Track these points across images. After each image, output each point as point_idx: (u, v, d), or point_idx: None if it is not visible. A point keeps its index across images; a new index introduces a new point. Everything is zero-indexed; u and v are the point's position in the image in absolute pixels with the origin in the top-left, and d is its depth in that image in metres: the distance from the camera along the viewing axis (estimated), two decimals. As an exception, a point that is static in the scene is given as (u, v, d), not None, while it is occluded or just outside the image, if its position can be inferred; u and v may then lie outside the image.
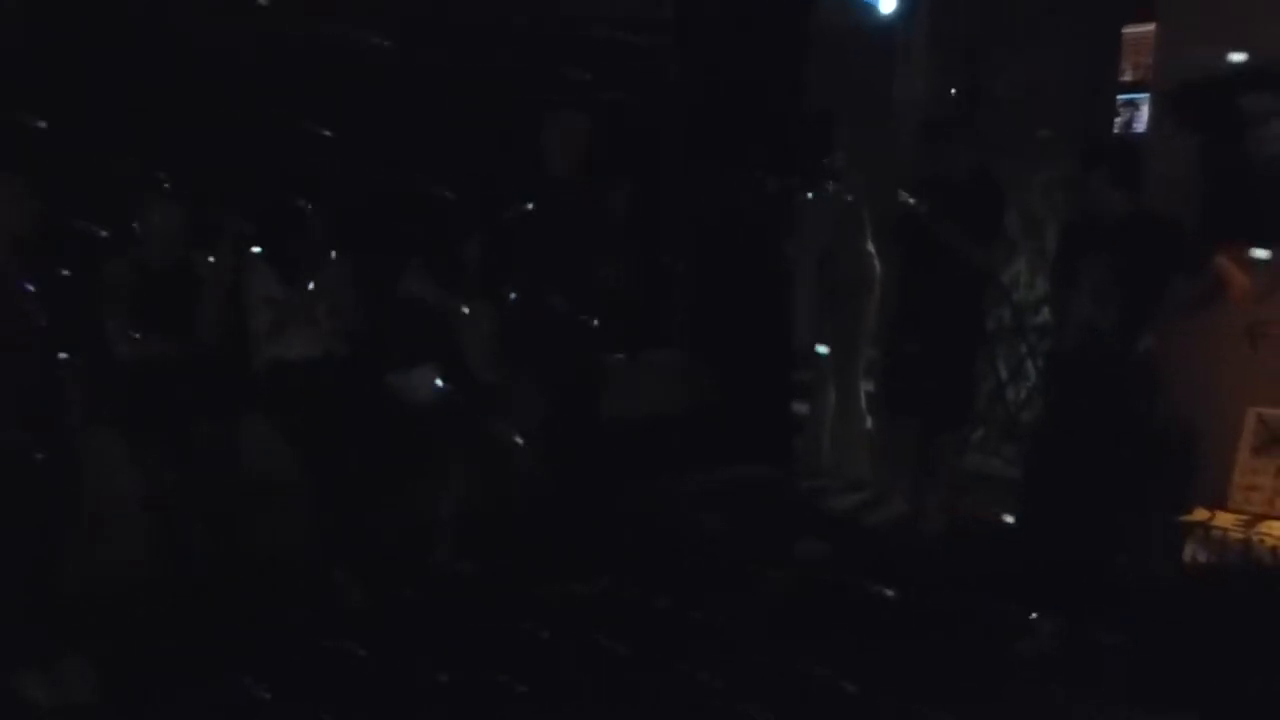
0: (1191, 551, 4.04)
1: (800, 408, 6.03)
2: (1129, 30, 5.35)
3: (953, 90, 5.53)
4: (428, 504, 4.45)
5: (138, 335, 3.81)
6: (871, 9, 5.67)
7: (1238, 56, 4.22)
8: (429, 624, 3.93)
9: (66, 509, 3.55)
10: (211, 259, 3.98)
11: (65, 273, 3.54)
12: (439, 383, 4.35)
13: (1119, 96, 5.45)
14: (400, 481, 4.49)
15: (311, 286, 4.18)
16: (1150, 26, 4.82)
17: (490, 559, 4.38)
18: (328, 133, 4.03)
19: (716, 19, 6.03)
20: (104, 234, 3.74)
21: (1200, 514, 4.12)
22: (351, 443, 4.13)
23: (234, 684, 3.32)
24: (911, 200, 4.57)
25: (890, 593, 4.09)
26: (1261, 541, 3.94)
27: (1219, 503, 4.17)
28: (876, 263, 5.48)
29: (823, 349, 5.58)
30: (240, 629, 3.66)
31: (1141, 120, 5.18)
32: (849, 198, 5.34)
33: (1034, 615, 3.78)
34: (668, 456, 5.59)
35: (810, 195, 5.39)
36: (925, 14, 5.45)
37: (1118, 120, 5.43)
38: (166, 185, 3.88)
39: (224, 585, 3.87)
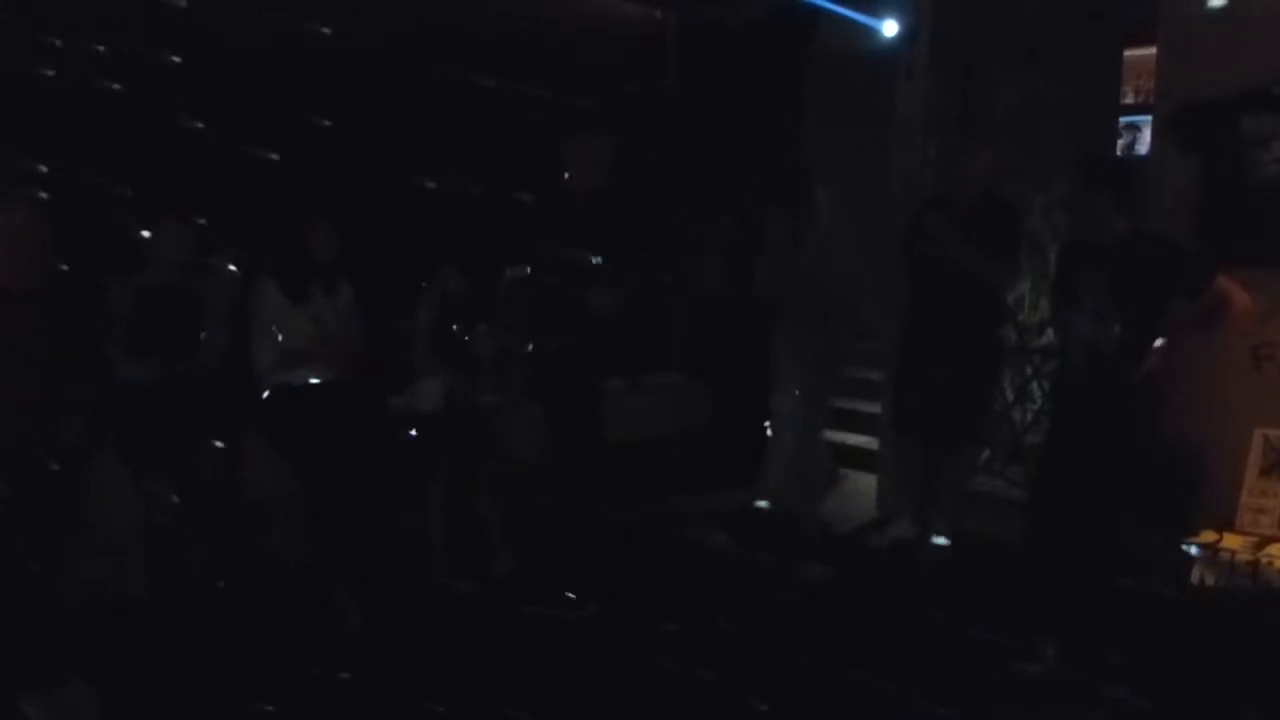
0: (1199, 574, 4.01)
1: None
2: (1131, 53, 5.38)
3: (958, 113, 5.54)
4: (426, 524, 4.45)
5: (140, 358, 3.83)
6: (874, 33, 5.70)
7: (1239, 79, 4.23)
8: (428, 644, 3.91)
9: (69, 530, 3.55)
10: (215, 282, 4.01)
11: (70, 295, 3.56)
12: (441, 395, 4.35)
13: (1121, 119, 5.47)
14: (400, 502, 4.48)
15: (319, 310, 4.20)
16: (1151, 49, 4.84)
17: (491, 579, 4.39)
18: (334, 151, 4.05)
19: (717, 40, 6.08)
20: (109, 256, 3.77)
21: (1208, 536, 4.09)
22: (355, 465, 4.13)
23: (236, 706, 3.30)
24: (929, 222, 4.59)
25: (894, 614, 4.07)
26: (1270, 564, 3.91)
27: (1227, 525, 4.15)
28: (859, 289, 5.16)
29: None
30: (242, 650, 3.64)
31: (1143, 142, 5.21)
32: (830, 220, 5.01)
33: (1039, 638, 3.75)
34: (668, 478, 5.60)
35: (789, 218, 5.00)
36: (928, 38, 5.47)
37: (1120, 142, 5.46)
38: (171, 208, 3.91)
39: (225, 607, 3.86)
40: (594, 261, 4.18)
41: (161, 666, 3.47)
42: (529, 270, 4.39)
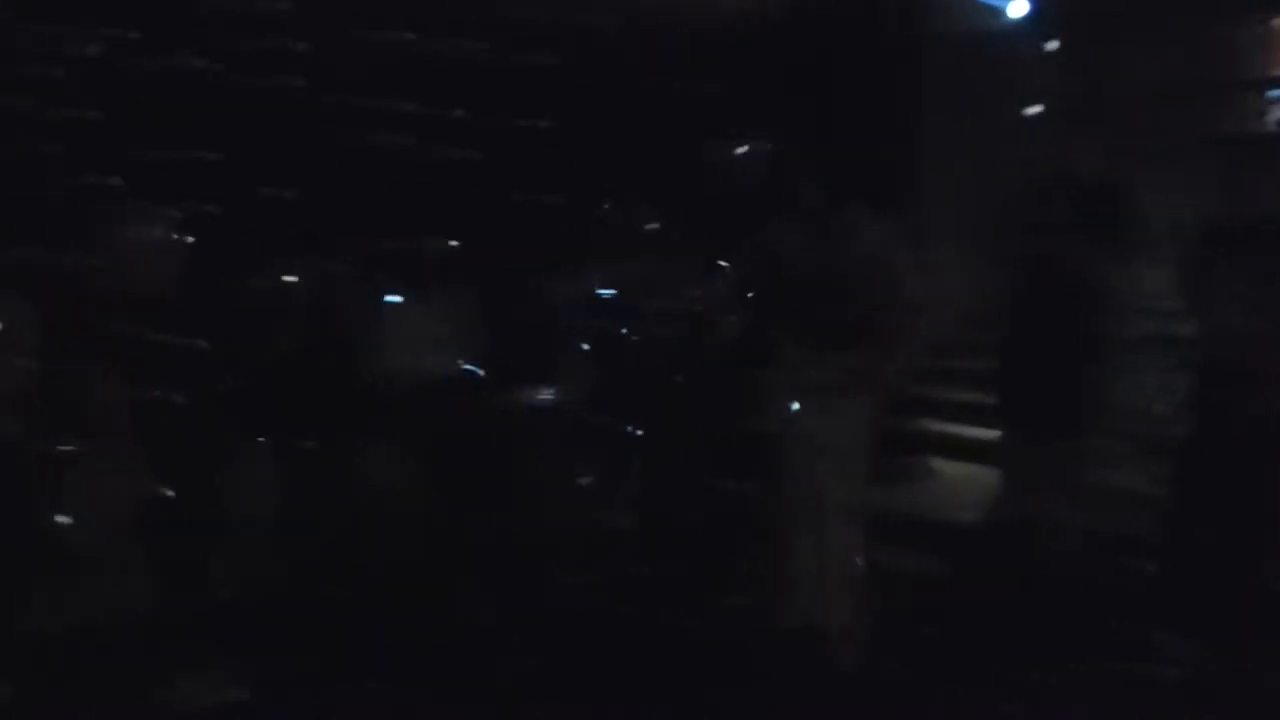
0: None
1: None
2: (1278, 21, 5.08)
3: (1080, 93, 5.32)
4: (555, 518, 4.49)
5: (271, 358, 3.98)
6: (998, 12, 5.52)
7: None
8: (554, 638, 3.95)
9: (217, 523, 3.72)
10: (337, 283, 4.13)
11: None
12: (544, 395, 4.40)
13: (1269, 92, 5.18)
14: (528, 496, 4.54)
15: (439, 306, 4.29)
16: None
17: (617, 573, 4.41)
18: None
19: (818, 23, 5.91)
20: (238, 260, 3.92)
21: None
22: (478, 458, 4.20)
23: (361, 696, 3.40)
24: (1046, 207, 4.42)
25: (1024, 610, 3.94)
26: None
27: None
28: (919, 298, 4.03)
29: None
30: (366, 642, 3.74)
31: (1292, 115, 4.91)
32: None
33: (1182, 638, 3.58)
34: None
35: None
36: (1054, 15, 5.27)
37: (1268, 118, 5.17)
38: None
39: (354, 599, 3.98)
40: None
41: (297, 654, 3.60)
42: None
